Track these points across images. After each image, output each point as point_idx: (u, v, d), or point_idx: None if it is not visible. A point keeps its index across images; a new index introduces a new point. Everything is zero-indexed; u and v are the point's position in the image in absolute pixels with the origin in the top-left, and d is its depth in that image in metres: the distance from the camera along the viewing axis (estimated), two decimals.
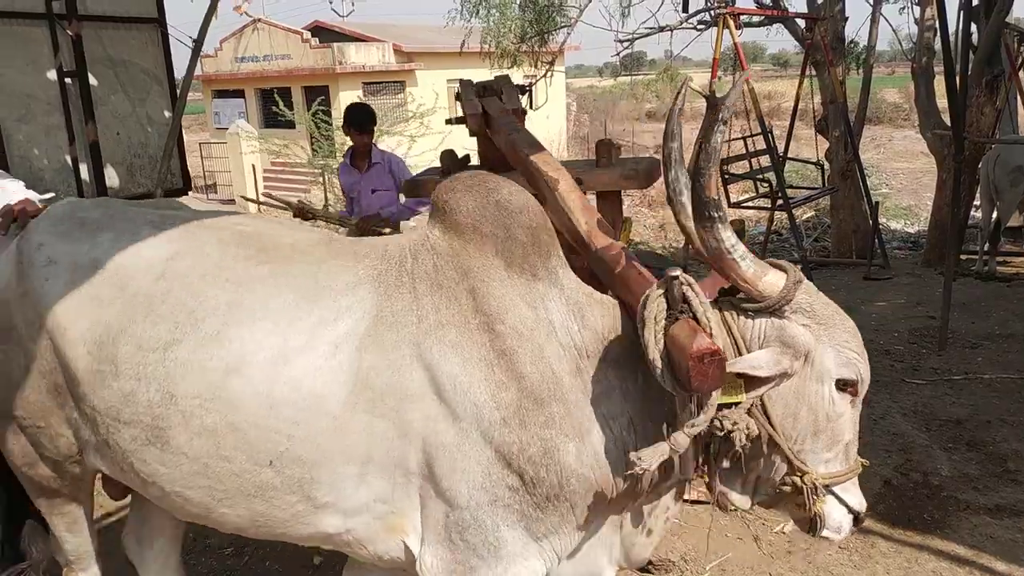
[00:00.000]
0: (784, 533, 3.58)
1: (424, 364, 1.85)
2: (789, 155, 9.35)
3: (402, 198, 5.01)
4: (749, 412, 1.77)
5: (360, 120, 4.99)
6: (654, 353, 1.67)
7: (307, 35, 21.63)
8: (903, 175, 17.39)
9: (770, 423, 1.81)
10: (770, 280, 1.75)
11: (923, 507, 3.73)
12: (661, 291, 1.71)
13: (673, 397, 1.78)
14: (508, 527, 1.90)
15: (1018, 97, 9.38)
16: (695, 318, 1.68)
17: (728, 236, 1.72)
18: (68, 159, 4.43)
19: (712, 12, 10.34)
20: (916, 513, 3.69)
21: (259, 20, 21.85)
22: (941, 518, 3.68)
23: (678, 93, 1.88)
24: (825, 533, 1.94)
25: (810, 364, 1.80)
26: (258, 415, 1.84)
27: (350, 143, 5.10)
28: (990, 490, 3.91)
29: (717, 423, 1.73)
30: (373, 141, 5.13)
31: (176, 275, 1.95)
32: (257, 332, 1.87)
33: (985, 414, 4.68)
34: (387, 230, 4.44)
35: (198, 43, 4.50)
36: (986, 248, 8.21)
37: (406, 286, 1.92)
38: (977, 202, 8.48)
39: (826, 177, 9.54)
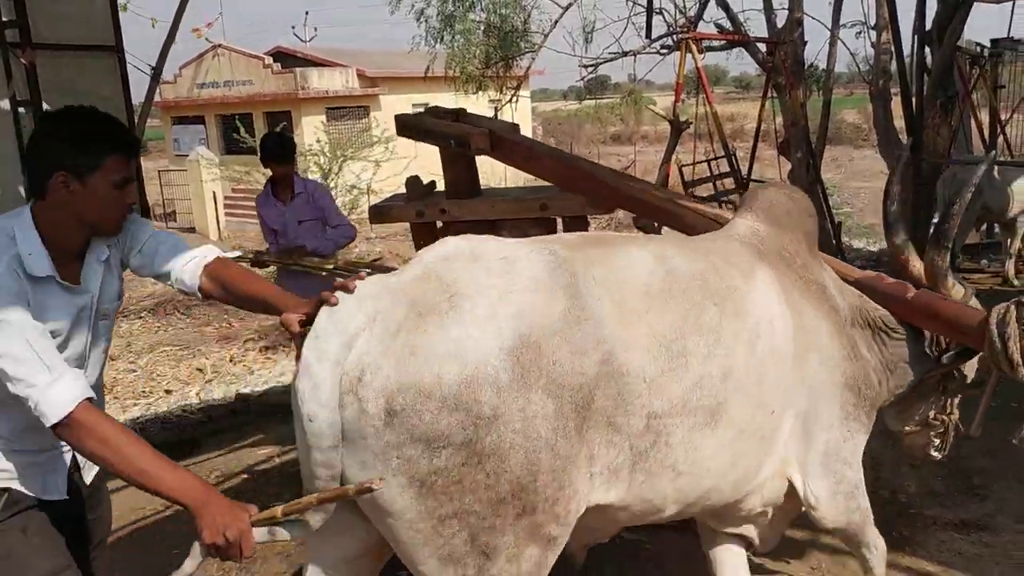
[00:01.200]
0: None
1: (808, 316, 2.41)
2: (753, 177, 9.47)
3: (328, 230, 4.87)
4: None
5: (278, 151, 4.85)
6: (1019, 361, 2.32)
7: (269, 60, 21.51)
8: (864, 194, 17.67)
9: None
10: (959, 290, 2.57)
11: (892, 524, 3.75)
12: (1013, 313, 2.33)
13: (911, 363, 2.72)
14: (856, 434, 2.57)
15: (972, 118, 9.66)
16: None
17: (948, 258, 2.52)
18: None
19: (675, 37, 10.49)
20: (885, 530, 3.68)
21: (220, 46, 21.68)
22: (910, 535, 3.71)
23: (899, 159, 2.77)
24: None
25: None
26: (768, 370, 2.26)
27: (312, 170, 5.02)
28: (957, 506, 3.96)
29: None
30: (295, 170, 5.03)
31: (685, 275, 2.20)
32: (752, 305, 2.27)
33: None
34: (317, 261, 3.89)
35: (157, 71, 4.43)
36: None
37: (773, 260, 2.44)
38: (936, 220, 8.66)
39: None
